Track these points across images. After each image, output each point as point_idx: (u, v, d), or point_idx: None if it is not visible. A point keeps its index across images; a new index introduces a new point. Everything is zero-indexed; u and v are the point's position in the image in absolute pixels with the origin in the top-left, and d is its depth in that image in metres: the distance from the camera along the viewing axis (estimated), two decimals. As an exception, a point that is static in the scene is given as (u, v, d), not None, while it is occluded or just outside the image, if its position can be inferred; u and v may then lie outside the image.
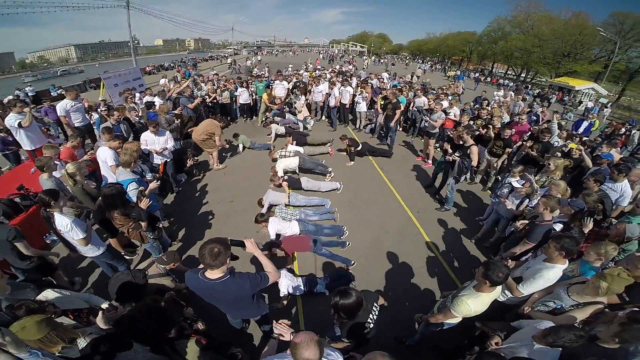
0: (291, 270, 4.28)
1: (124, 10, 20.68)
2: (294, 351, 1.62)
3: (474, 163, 5.60)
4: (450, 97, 9.99)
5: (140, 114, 7.81)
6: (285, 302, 3.76)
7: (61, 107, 6.67)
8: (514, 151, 6.86)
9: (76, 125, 7.03)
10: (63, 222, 3.28)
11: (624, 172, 4.52)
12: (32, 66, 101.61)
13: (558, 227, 3.63)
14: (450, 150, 5.84)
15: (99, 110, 8.35)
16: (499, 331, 2.50)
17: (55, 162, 4.49)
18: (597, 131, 11.78)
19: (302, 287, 3.88)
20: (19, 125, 5.72)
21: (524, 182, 4.76)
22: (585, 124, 9.71)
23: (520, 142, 6.85)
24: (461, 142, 5.56)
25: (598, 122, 11.95)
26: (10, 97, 13.34)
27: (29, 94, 17.85)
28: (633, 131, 10.43)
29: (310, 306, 3.97)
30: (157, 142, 5.73)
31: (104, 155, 4.86)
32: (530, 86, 33.16)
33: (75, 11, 24.29)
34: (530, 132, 7.16)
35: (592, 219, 3.50)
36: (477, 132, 6.45)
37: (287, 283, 3.72)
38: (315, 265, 4.60)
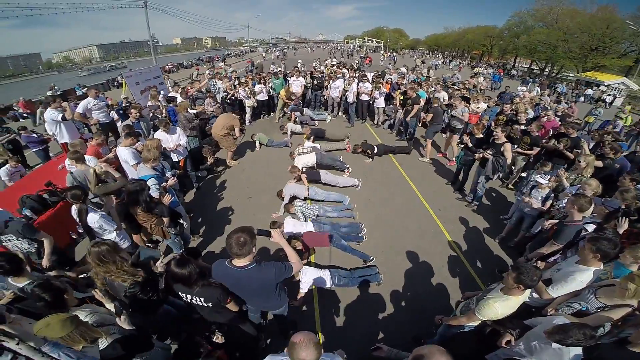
0: (309, 264, 4.27)
1: (142, 10, 21.11)
2: (291, 351, 1.59)
3: (509, 161, 5.40)
4: (472, 92, 9.69)
5: (163, 112, 7.96)
6: (301, 299, 3.71)
7: (83, 105, 6.88)
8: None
9: (100, 122, 7.24)
10: (94, 218, 3.40)
11: None
12: (58, 66, 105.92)
13: (590, 227, 3.44)
14: (470, 144, 5.70)
15: (119, 108, 8.56)
16: (510, 329, 2.42)
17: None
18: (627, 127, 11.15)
19: (328, 280, 3.80)
20: (63, 118, 6.12)
21: (549, 177, 4.56)
22: (620, 123, 9.24)
23: (546, 138, 6.56)
24: (492, 139, 5.35)
25: (631, 119, 11.34)
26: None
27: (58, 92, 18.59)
28: None
29: (325, 299, 3.97)
30: (170, 140, 5.81)
31: (123, 155, 4.94)
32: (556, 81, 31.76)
33: (95, 11, 25.07)
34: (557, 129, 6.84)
35: (627, 219, 3.31)
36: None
37: (309, 278, 3.65)
38: (331, 262, 4.57)
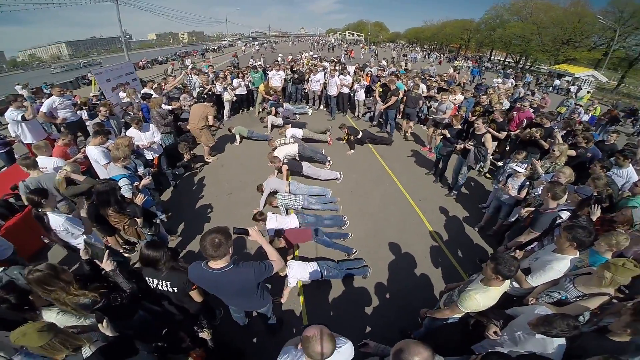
0: (294, 259, 4.21)
1: (114, 5, 20.12)
2: (305, 345, 1.54)
3: (490, 151, 5.57)
4: (450, 85, 9.83)
5: (135, 110, 7.64)
6: (287, 295, 3.67)
7: (47, 104, 6.50)
8: (514, 137, 6.76)
9: (67, 122, 6.86)
10: (57, 221, 3.19)
11: (629, 157, 4.48)
12: (24, 64, 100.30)
13: (565, 215, 3.52)
14: (449, 136, 5.79)
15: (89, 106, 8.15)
16: (494, 320, 2.43)
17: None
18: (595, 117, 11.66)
19: (316, 272, 3.74)
20: (22, 118, 5.76)
21: (525, 165, 4.67)
22: (582, 110, 9.67)
23: (521, 128, 6.74)
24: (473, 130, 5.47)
25: (599, 109, 11.84)
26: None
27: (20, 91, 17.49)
28: None
29: (311, 295, 3.94)
30: (143, 138, 5.60)
31: (93, 154, 4.70)
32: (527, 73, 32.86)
33: (64, 8, 23.72)
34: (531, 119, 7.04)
35: (599, 206, 3.41)
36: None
37: (298, 272, 3.59)
38: (317, 255, 4.53)
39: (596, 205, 3.40)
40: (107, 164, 4.47)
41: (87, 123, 7.12)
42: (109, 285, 2.52)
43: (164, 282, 2.52)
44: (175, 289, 2.55)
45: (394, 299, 3.94)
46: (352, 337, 3.18)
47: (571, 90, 20.63)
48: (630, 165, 4.50)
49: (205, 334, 2.75)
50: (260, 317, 3.07)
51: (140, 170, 4.75)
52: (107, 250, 2.53)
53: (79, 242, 3.41)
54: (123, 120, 7.25)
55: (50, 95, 6.98)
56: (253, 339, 3.41)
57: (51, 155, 4.65)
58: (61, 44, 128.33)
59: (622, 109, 14.05)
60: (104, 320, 2.18)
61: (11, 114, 5.82)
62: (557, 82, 25.05)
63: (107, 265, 2.45)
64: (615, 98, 18.79)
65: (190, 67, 14.48)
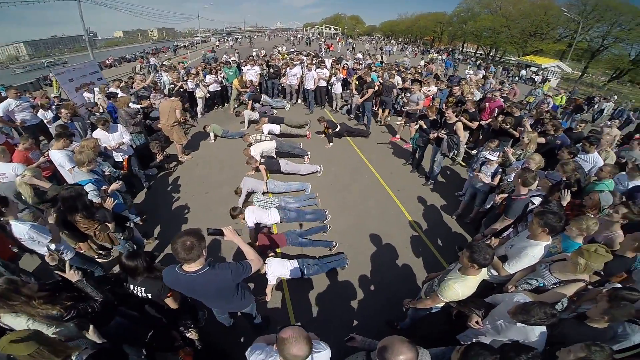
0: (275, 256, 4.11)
1: (75, 3, 18.95)
2: (281, 347, 1.52)
3: (462, 139, 5.70)
4: (424, 76, 10.00)
5: (101, 109, 7.27)
6: (270, 293, 3.62)
7: (2, 107, 6.06)
8: (486, 127, 6.97)
9: (26, 125, 6.42)
10: (21, 229, 2.99)
11: (595, 144, 4.71)
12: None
13: (537, 200, 3.63)
14: (424, 126, 5.88)
15: (53, 107, 7.68)
16: (475, 309, 2.45)
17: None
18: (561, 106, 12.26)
19: (296, 270, 3.69)
20: None
21: (497, 153, 4.81)
22: (551, 101, 10.10)
23: (492, 118, 6.95)
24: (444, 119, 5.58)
25: (565, 98, 12.44)
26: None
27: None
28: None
29: (296, 291, 3.90)
30: (110, 139, 5.33)
31: (57, 159, 4.41)
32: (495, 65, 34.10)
33: (21, 7, 22.12)
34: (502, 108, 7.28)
35: (569, 191, 3.53)
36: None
37: (277, 269, 3.53)
38: (302, 252, 4.48)
39: (566, 190, 3.51)
40: (72, 169, 4.21)
41: (50, 125, 6.71)
42: (80, 294, 2.40)
43: (139, 287, 2.55)
44: (150, 296, 2.56)
45: (379, 290, 3.96)
46: (339, 331, 3.23)
47: (536, 79, 21.64)
48: (596, 151, 4.72)
49: (192, 334, 2.79)
50: (245, 317, 3.00)
51: (106, 169, 4.52)
52: (67, 261, 2.45)
53: (45, 250, 3.22)
54: (89, 121, 6.88)
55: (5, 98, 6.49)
56: (240, 339, 3.34)
57: (10, 161, 4.35)
58: (19, 44, 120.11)
59: (577, 96, 14.79)
60: (90, 328, 2.17)
61: None
62: (523, 72, 26.99)
63: (71, 275, 2.34)
64: (573, 86, 19.87)
65: (155, 65, 13.84)
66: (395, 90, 9.30)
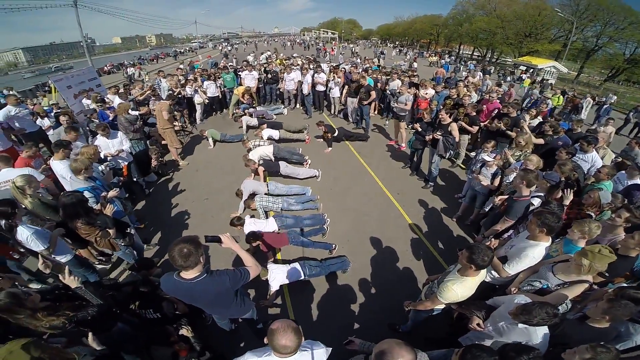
0: (276, 262, 4.13)
1: (73, 10, 19.03)
2: (270, 337, 1.58)
3: (457, 139, 5.75)
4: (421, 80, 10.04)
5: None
6: (272, 297, 3.60)
7: (2, 114, 6.06)
8: (483, 128, 6.99)
9: (26, 132, 6.44)
10: (24, 233, 3.02)
11: (593, 143, 4.72)
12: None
13: (536, 201, 3.64)
14: (420, 129, 5.91)
15: (51, 115, 7.69)
16: (477, 311, 2.44)
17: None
18: (559, 106, 12.30)
19: (298, 272, 3.69)
20: None
21: (494, 155, 4.83)
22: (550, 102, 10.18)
23: (489, 119, 6.97)
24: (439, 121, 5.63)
25: (562, 99, 12.50)
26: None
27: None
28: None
29: (297, 295, 3.90)
30: (110, 145, 5.33)
31: (58, 170, 4.24)
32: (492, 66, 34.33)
33: (18, 13, 22.22)
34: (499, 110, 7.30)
35: (571, 190, 3.54)
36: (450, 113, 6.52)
37: (279, 275, 3.54)
38: (302, 254, 4.50)
39: (568, 189, 3.53)
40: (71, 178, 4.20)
41: (50, 132, 6.72)
42: (80, 301, 2.40)
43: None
44: (159, 315, 2.86)
45: (379, 293, 3.96)
46: (340, 334, 3.21)
47: (523, 78, 21.88)
48: (594, 150, 4.75)
49: (184, 331, 2.85)
50: (247, 323, 3.00)
51: (101, 167, 4.55)
52: (67, 267, 2.45)
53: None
54: (88, 128, 6.89)
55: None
56: (240, 344, 3.34)
57: (13, 167, 4.36)
58: (18, 50, 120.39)
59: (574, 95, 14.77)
60: (90, 335, 2.16)
61: None
62: (516, 72, 27.47)
63: (70, 282, 2.33)
64: (569, 86, 19.92)
65: (132, 74, 13.73)
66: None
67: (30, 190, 3.76)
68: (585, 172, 4.56)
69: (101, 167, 4.58)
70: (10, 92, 14.74)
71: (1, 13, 21.53)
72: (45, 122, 7.09)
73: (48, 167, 4.68)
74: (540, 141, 5.45)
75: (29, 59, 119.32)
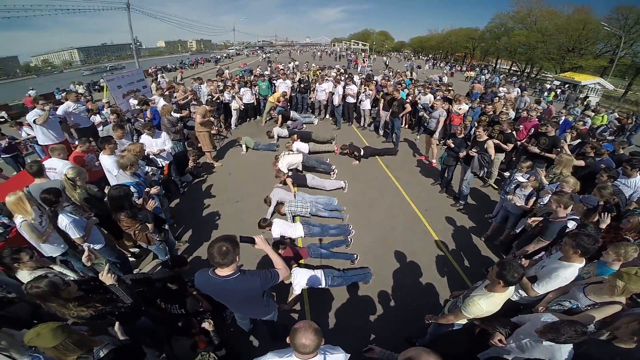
0: (300, 266, 4.23)
1: (125, 12, 20.65)
2: (292, 335, 1.67)
3: (493, 157, 5.64)
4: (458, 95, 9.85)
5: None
6: (292, 301, 3.69)
7: (63, 109, 6.67)
8: (519, 147, 6.75)
9: (80, 128, 7.05)
10: (63, 221, 3.29)
11: (638, 167, 4.39)
12: (37, 69, 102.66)
13: (571, 224, 3.51)
14: (453, 146, 5.82)
15: (102, 112, 8.37)
16: (500, 327, 2.42)
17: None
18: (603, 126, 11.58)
19: (320, 280, 3.76)
20: (34, 121, 5.79)
21: (529, 176, 4.68)
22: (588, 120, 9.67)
23: (527, 138, 6.73)
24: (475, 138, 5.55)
25: (606, 118, 11.79)
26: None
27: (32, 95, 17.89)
28: None
29: (316, 302, 3.97)
30: (154, 144, 5.68)
31: (106, 164, 4.70)
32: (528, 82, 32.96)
33: (75, 14, 24.36)
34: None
35: (609, 214, 3.41)
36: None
37: (303, 279, 3.62)
38: (321, 263, 4.56)
39: (606, 213, 3.40)
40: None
41: (100, 128, 7.29)
42: (112, 295, 2.51)
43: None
44: (183, 311, 3.10)
45: (399, 306, 3.96)
46: (356, 343, 3.25)
47: (557, 92, 20.76)
48: (639, 175, 4.43)
49: (207, 324, 2.95)
50: (265, 324, 3.08)
51: (148, 169, 4.86)
52: (107, 265, 2.61)
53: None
54: (133, 127, 7.41)
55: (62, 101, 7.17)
56: (255, 345, 3.45)
57: (66, 159, 4.74)
58: (73, 49, 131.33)
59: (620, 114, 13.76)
60: (116, 324, 2.26)
61: (30, 115, 5.89)
62: (547, 85, 27.06)
63: (106, 279, 2.45)
64: (615, 105, 18.53)
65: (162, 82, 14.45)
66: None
67: (80, 181, 4.06)
68: (627, 197, 4.28)
69: (148, 169, 4.88)
70: (78, 87, 16.07)
71: (65, 14, 23.58)
72: (97, 119, 7.71)
73: (98, 163, 5.13)
74: (581, 163, 5.20)
75: (82, 59, 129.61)
